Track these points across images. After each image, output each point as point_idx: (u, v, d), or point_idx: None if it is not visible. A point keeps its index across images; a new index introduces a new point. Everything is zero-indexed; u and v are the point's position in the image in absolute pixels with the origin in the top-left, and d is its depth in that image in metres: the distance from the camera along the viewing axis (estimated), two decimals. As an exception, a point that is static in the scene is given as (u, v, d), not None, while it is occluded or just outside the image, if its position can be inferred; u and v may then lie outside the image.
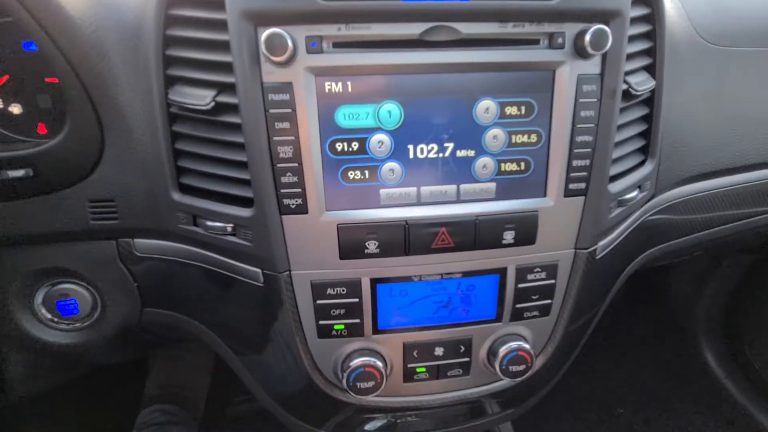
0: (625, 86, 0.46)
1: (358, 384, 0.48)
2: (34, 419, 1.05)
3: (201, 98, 0.40)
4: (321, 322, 0.48)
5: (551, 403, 1.31)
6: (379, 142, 0.42)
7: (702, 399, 1.32)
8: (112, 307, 0.52)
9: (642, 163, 0.52)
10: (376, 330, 0.49)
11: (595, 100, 0.43)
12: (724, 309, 1.38)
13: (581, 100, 0.43)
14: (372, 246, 0.44)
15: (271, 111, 0.39)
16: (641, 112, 0.50)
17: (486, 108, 0.43)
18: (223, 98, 0.40)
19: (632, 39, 0.46)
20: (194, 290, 0.51)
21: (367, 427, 0.64)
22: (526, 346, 0.51)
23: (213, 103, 0.40)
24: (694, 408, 1.30)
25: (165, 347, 1.21)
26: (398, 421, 0.62)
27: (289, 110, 0.40)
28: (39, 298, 0.51)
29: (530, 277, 0.49)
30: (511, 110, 0.43)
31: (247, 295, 0.48)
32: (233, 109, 0.40)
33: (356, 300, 0.47)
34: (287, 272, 0.45)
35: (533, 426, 1.24)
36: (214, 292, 0.50)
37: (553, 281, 0.50)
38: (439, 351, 0.51)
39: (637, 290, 1.62)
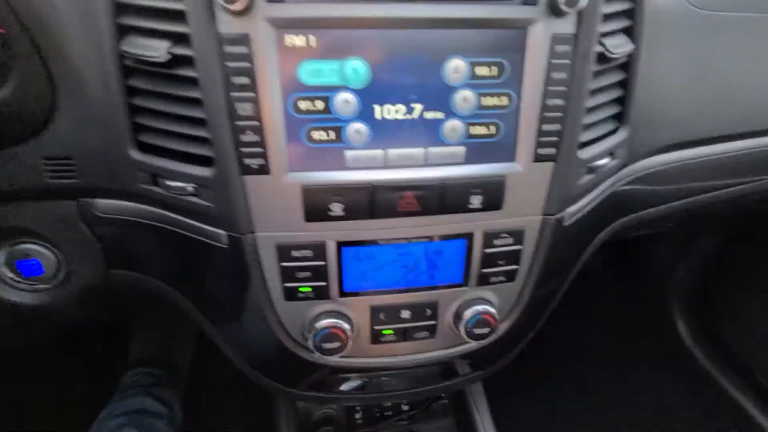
0: (600, 49, 0.44)
1: (323, 345, 0.49)
2: (15, 377, 1.06)
3: (155, 50, 0.38)
4: (287, 285, 0.48)
5: (525, 372, 1.36)
6: (344, 101, 0.41)
7: (671, 366, 1.38)
8: (76, 268, 0.51)
9: (615, 131, 0.52)
10: (342, 293, 0.49)
11: (568, 61, 0.42)
12: (698, 281, 1.42)
13: (554, 61, 0.42)
14: (337, 208, 0.44)
15: (229, 65, 0.38)
16: (617, 77, 0.49)
17: (456, 67, 0.41)
18: (179, 50, 0.38)
19: (611, -2, 0.44)
20: (159, 252, 0.51)
21: (342, 387, 0.66)
22: (491, 310, 0.52)
23: (168, 56, 0.38)
24: (663, 375, 1.36)
25: (149, 311, 1.23)
26: (370, 381, 0.64)
27: (248, 64, 0.38)
28: (1, 257, 0.50)
29: (497, 242, 0.49)
30: (482, 71, 0.42)
31: (211, 257, 0.48)
32: (189, 62, 0.38)
33: (322, 263, 0.47)
34: (251, 234, 0.45)
35: (507, 393, 1.29)
36: (178, 254, 0.50)
37: (519, 247, 0.50)
38: (405, 314, 0.52)
39: (615, 262, 1.66)
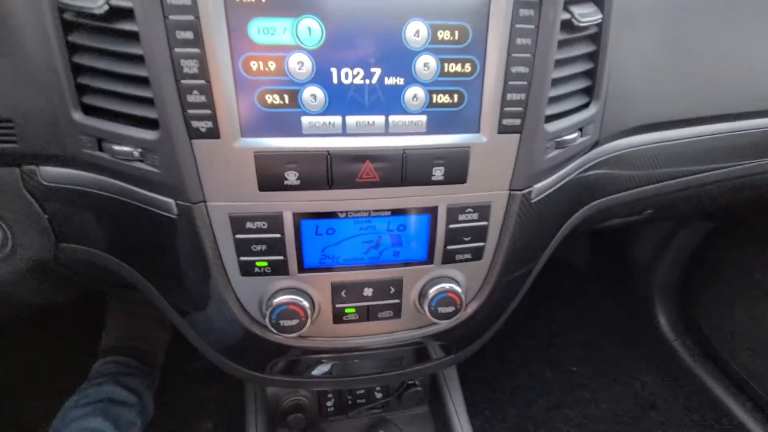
0: (567, 16, 0.43)
1: (281, 322, 0.47)
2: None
3: (92, 0, 0.36)
4: (242, 259, 0.46)
5: (505, 361, 1.36)
6: (298, 62, 0.39)
7: (651, 358, 1.39)
8: (23, 240, 0.49)
9: (586, 105, 0.50)
10: (302, 269, 0.48)
11: (532, 26, 0.40)
12: (679, 275, 1.43)
13: (517, 26, 0.40)
14: (292, 177, 0.42)
15: (171, 17, 0.35)
16: (587, 48, 0.48)
17: (416, 30, 0.40)
18: (118, 1, 0.36)
19: (579, -37, 0.43)
20: (109, 224, 0.49)
21: (314, 372, 0.64)
22: (457, 288, 0.50)
23: (107, 7, 0.36)
24: (643, 366, 1.36)
25: (122, 300, 1.20)
26: (339, 364, 0.62)
27: (192, 17, 0.36)
28: (-60, 228, 0.48)
29: (462, 217, 0.48)
30: (444, 35, 0.40)
31: (162, 229, 0.46)
32: (129, 14, 0.36)
33: (278, 235, 0.45)
34: (203, 203, 0.43)
35: (486, 381, 1.29)
36: (129, 226, 0.48)
37: (485, 223, 0.49)
38: (368, 292, 0.50)
39: (600, 254, 1.66)
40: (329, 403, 0.83)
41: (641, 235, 1.47)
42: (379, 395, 0.84)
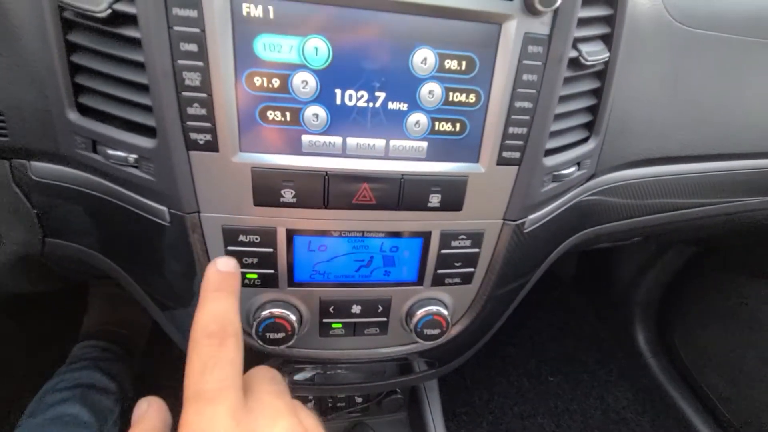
0: (575, 54, 0.43)
1: (267, 334, 0.47)
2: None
3: (95, 3, 0.35)
4: (232, 270, 0.45)
5: (486, 368, 1.38)
6: (303, 81, 0.39)
7: (626, 373, 1.42)
8: (9, 233, 0.48)
9: (585, 140, 0.51)
10: (291, 283, 0.48)
11: (540, 63, 0.41)
12: (660, 296, 1.46)
13: (525, 62, 0.40)
14: (288, 195, 0.42)
15: (176, 28, 0.35)
16: (591, 85, 0.48)
17: (423, 58, 0.39)
18: (122, 6, 0.35)
19: (590, 2, 0.43)
20: (98, 224, 0.48)
21: (296, 377, 0.65)
22: (444, 312, 0.51)
23: (109, 11, 0.35)
24: (617, 382, 1.40)
25: (104, 285, 1.18)
26: (322, 372, 0.62)
27: (197, 30, 0.35)
28: (-76, 216, 0.47)
29: (454, 243, 0.48)
30: (451, 64, 0.40)
31: (153, 235, 0.45)
32: (133, 20, 0.35)
33: (270, 250, 0.45)
34: (196, 213, 0.42)
35: (466, 388, 1.31)
36: (118, 228, 0.47)
37: (477, 250, 0.49)
38: (356, 309, 0.50)
39: (583, 272, 1.69)
40: (309, 405, 0.83)
41: (626, 253, 1.50)
42: (359, 399, 0.85)
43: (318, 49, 0.38)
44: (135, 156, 0.40)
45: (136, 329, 1.16)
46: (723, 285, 1.27)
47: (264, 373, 0.36)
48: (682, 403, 1.31)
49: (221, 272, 0.36)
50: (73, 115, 0.40)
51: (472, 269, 0.50)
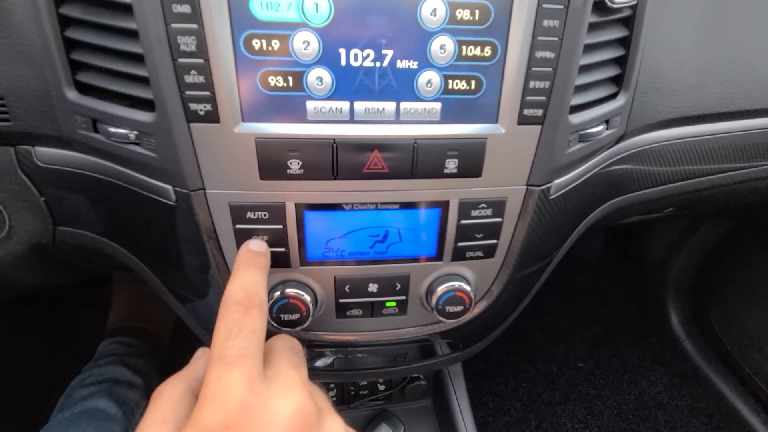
0: (600, -4, 0.39)
1: (281, 316, 0.45)
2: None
3: (84, -31, 0.33)
4: (242, 249, 0.44)
5: (512, 354, 1.34)
6: (304, 42, 0.36)
7: (660, 356, 1.36)
8: (20, 222, 0.47)
9: (614, 96, 0.47)
10: (304, 262, 0.46)
11: (561, 6, 0.37)
12: (694, 274, 1.39)
13: (544, 5, 0.36)
14: (295, 165, 0.39)
15: (167, -11, 0.33)
16: (619, 33, 0.44)
17: (433, 9, 0.36)
18: (110, -30, 0.33)
19: (616, -64, 0.39)
20: (105, 208, 0.47)
21: (317, 363, 0.63)
22: (466, 287, 0.48)
23: (99, -23, 0.33)
24: (652, 366, 1.34)
25: (128, 280, 1.20)
26: (342, 357, 0.61)
27: (189, -10, 0.33)
28: (-63, 208, 0.46)
29: (474, 213, 0.45)
30: (463, 14, 0.37)
31: (160, 216, 0.44)
32: (123, -16, 0.33)
33: (280, 226, 0.43)
34: (201, 191, 0.41)
35: (492, 375, 1.27)
36: (126, 211, 0.46)
37: (499, 219, 0.46)
38: (373, 287, 0.48)
39: (610, 253, 1.62)
40: (331, 393, 0.82)
41: (656, 230, 1.43)
42: (382, 387, 0.83)
43: (318, 4, 0.35)
44: (136, 132, 0.39)
45: (160, 324, 1.18)
46: (760, 261, 1.19)
47: (284, 343, 0.38)
48: (722, 386, 1.25)
49: (252, 251, 0.40)
50: (72, 94, 0.39)
51: (494, 241, 0.47)
